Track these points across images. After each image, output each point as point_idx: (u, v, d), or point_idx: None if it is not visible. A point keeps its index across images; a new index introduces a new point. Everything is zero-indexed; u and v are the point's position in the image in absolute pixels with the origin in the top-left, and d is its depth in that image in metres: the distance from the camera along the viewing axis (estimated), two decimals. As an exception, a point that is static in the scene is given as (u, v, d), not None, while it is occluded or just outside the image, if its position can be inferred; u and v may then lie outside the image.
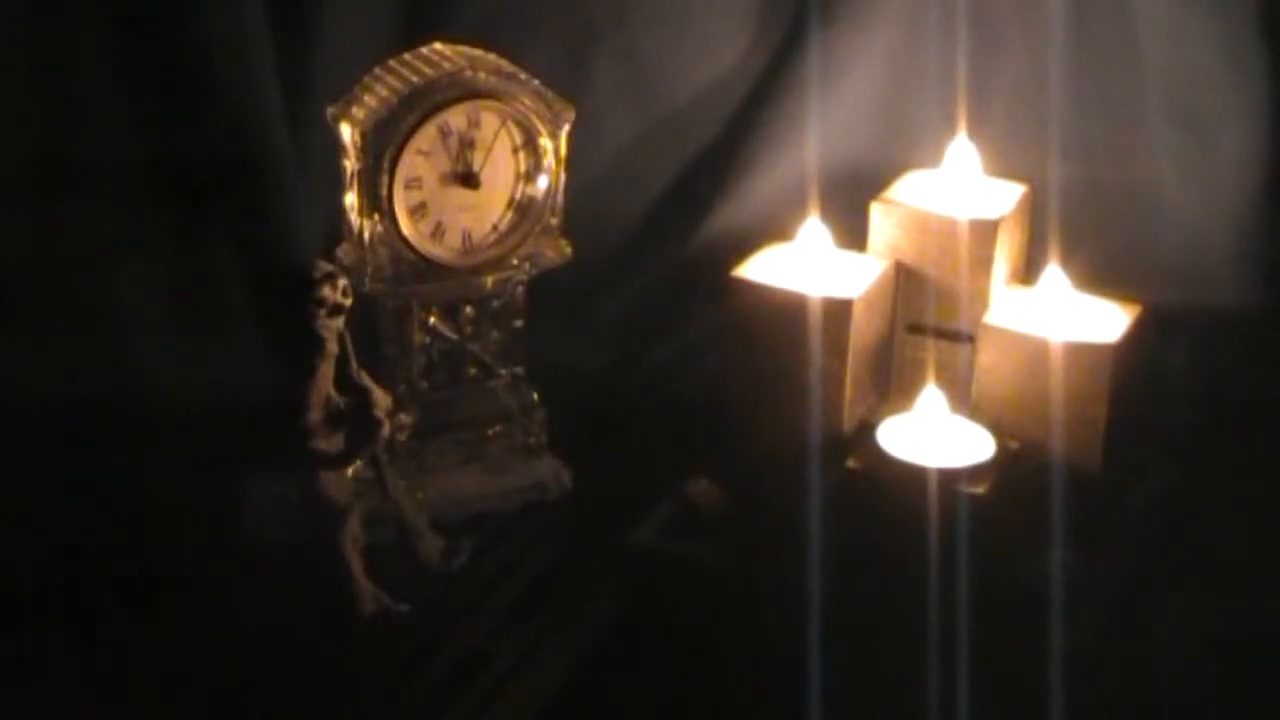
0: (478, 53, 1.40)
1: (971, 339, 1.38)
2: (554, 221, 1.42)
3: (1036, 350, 1.33)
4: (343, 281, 1.29)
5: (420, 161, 1.36)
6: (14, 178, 1.63)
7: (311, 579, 1.31)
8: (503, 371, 1.46)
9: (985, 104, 1.74)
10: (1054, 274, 1.39)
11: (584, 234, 1.46)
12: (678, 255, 1.76)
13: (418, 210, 1.37)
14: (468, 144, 1.37)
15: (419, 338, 1.42)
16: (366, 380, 1.31)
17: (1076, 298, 1.39)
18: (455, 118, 1.36)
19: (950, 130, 1.50)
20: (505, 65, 1.38)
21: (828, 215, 1.42)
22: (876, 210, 1.41)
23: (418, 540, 1.36)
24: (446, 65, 1.37)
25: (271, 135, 1.65)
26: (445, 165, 1.37)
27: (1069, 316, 1.37)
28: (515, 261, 1.42)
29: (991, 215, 1.40)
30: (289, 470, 1.32)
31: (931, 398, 1.32)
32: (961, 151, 1.47)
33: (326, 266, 1.29)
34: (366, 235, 1.36)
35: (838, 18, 1.77)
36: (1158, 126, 1.80)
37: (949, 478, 1.25)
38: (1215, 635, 1.32)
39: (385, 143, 1.34)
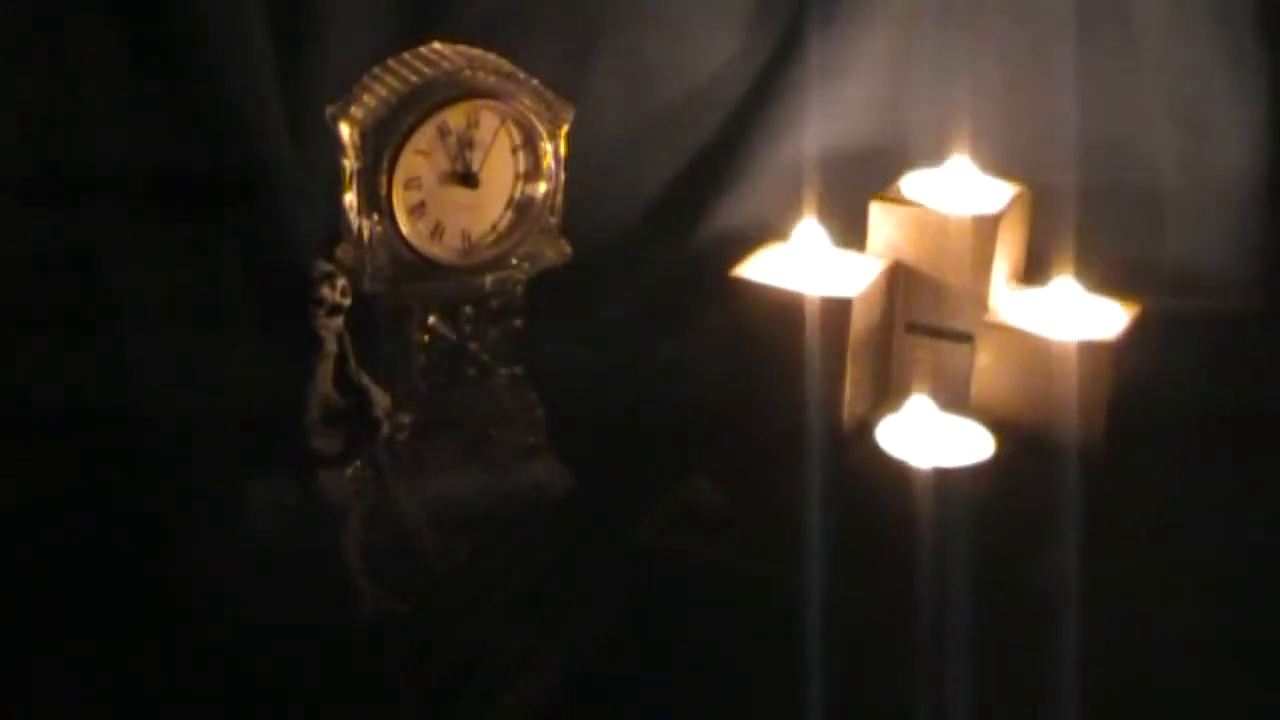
0: (477, 52, 1.40)
1: (971, 339, 1.38)
2: (553, 221, 1.42)
3: (1036, 350, 1.33)
4: (341, 281, 1.29)
5: (419, 161, 1.36)
6: (14, 179, 1.64)
7: (311, 579, 1.31)
8: (502, 371, 1.46)
9: (985, 104, 1.75)
10: (1053, 273, 1.39)
11: (583, 234, 1.46)
12: (677, 255, 1.76)
13: (417, 210, 1.37)
14: (467, 144, 1.37)
15: (418, 337, 1.41)
16: (365, 380, 1.31)
17: (1076, 297, 1.39)
18: (454, 117, 1.36)
19: (949, 130, 1.50)
20: (505, 65, 1.38)
21: (827, 214, 1.42)
22: (876, 209, 1.41)
23: (417, 540, 1.36)
24: (446, 65, 1.37)
25: (271, 135, 1.65)
26: (444, 165, 1.37)
27: (1069, 316, 1.37)
28: (514, 261, 1.42)
29: (991, 214, 1.40)
30: (288, 471, 1.32)
31: (927, 401, 1.32)
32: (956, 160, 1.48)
33: (326, 266, 1.29)
34: (366, 235, 1.36)
35: (836, 17, 1.77)
36: (1158, 127, 1.80)
37: (948, 477, 1.25)
38: (1215, 635, 1.32)
39: (384, 142, 1.34)
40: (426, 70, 1.36)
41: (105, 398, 1.54)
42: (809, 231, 1.41)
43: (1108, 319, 1.36)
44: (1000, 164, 1.48)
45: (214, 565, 1.34)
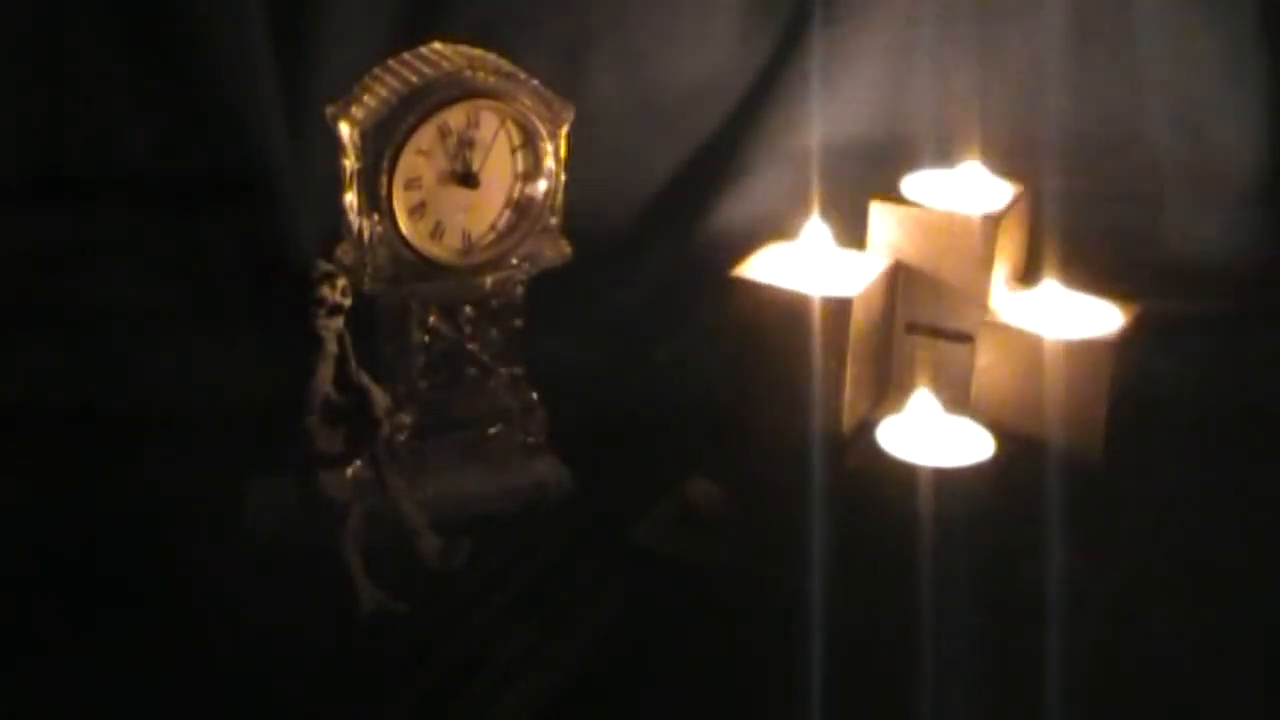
0: (477, 53, 1.40)
1: (971, 338, 1.38)
2: (553, 221, 1.42)
3: (1036, 349, 1.33)
4: (342, 281, 1.29)
5: (420, 161, 1.36)
6: (14, 179, 1.64)
7: (311, 579, 1.31)
8: (502, 371, 1.46)
9: (985, 104, 1.75)
10: (1053, 273, 1.39)
11: (583, 234, 1.46)
12: (677, 255, 1.76)
13: (417, 210, 1.37)
14: (467, 144, 1.37)
15: (418, 337, 1.42)
16: (366, 380, 1.31)
17: (1076, 298, 1.39)
18: (455, 118, 1.36)
19: (950, 129, 1.51)
20: (505, 65, 1.38)
21: (827, 214, 1.42)
22: (877, 209, 1.41)
23: (417, 540, 1.36)
24: (446, 65, 1.37)
25: (271, 135, 1.65)
26: (444, 165, 1.37)
27: (1068, 316, 1.37)
28: (514, 261, 1.42)
29: (991, 214, 1.40)
30: (288, 470, 1.32)
31: (930, 397, 1.32)
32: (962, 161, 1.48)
33: (326, 266, 1.29)
34: (366, 235, 1.36)
35: (837, 18, 1.77)
36: (1158, 127, 1.80)
37: (948, 477, 1.25)
38: (1215, 635, 1.32)
39: (385, 142, 1.34)
40: (426, 70, 1.36)
41: (105, 398, 1.54)
42: (809, 231, 1.41)
43: (1107, 319, 1.36)
44: (1001, 164, 1.48)
45: (214, 565, 1.34)
